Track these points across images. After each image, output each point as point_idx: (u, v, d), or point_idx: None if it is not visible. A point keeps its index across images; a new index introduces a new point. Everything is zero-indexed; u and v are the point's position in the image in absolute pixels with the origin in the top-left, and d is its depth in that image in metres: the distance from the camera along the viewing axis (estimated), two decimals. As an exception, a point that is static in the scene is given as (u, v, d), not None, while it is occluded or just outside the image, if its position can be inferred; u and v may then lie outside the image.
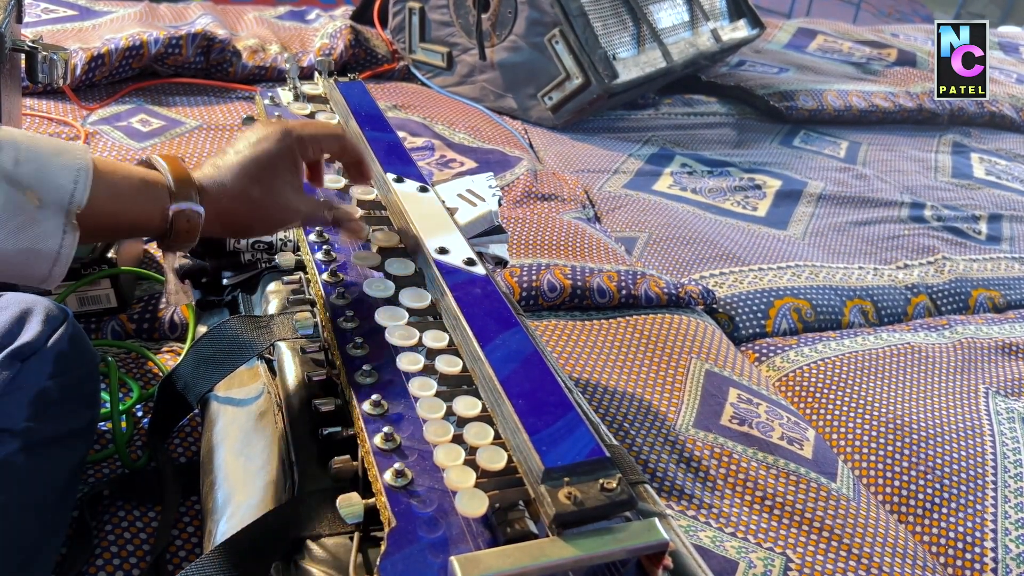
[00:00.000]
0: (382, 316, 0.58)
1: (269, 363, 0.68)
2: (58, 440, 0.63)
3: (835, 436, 0.99)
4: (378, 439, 0.49)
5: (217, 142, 1.42)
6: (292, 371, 0.63)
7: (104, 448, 0.78)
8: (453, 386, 0.54)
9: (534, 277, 1.11)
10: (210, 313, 0.88)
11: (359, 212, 0.69)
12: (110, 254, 0.93)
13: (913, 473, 0.93)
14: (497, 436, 0.49)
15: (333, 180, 0.75)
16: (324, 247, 0.67)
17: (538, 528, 0.45)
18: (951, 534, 0.87)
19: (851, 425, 0.99)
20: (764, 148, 1.84)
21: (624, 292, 1.12)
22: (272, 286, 0.76)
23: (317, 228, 0.69)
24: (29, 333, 0.60)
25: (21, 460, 0.58)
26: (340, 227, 0.65)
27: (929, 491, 0.91)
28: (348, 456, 0.52)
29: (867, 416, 1.00)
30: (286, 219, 0.62)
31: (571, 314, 1.10)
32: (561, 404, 0.49)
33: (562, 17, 1.66)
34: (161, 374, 0.89)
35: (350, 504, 0.47)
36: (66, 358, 0.63)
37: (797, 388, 1.06)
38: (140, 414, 0.83)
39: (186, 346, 0.90)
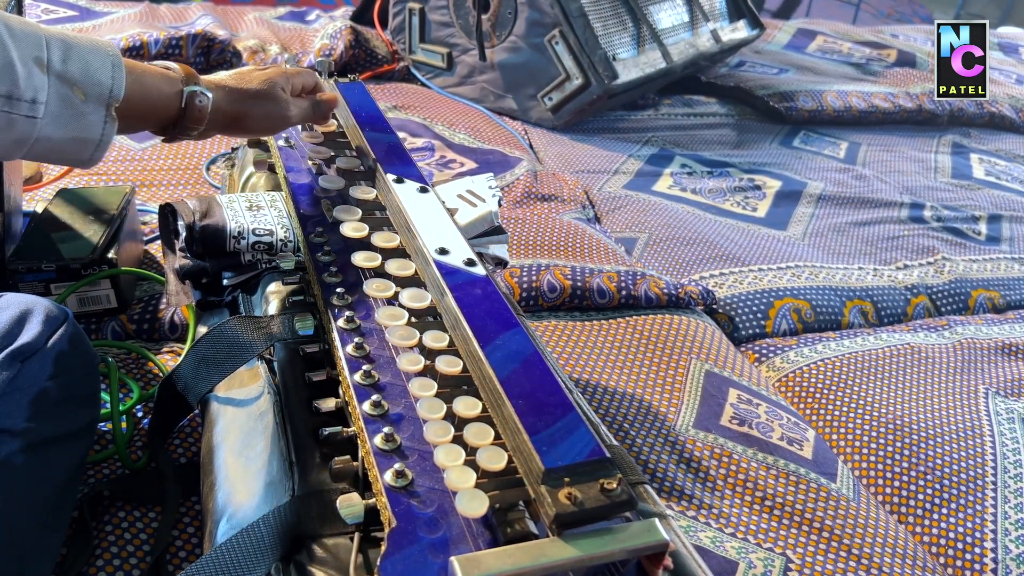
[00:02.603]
0: (382, 316, 0.58)
1: (269, 363, 0.68)
2: (58, 440, 0.63)
3: (835, 436, 0.99)
4: (378, 439, 0.49)
5: (217, 141, 1.42)
6: (292, 372, 0.63)
7: (104, 448, 0.78)
8: (453, 386, 0.54)
9: (534, 277, 1.11)
10: (210, 313, 0.88)
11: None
12: (110, 254, 0.93)
13: (913, 473, 0.93)
14: (497, 436, 0.49)
15: (331, 180, 0.75)
16: (324, 247, 0.67)
17: (538, 528, 0.45)
18: (951, 534, 0.87)
19: (851, 425, 0.99)
20: (764, 149, 1.84)
21: (624, 293, 1.12)
22: (272, 287, 0.76)
23: (317, 229, 0.69)
24: (29, 333, 0.60)
25: (21, 460, 0.58)
26: (326, 112, 0.77)
27: (929, 491, 0.91)
28: (348, 456, 0.52)
29: (867, 416, 1.00)
30: (282, 113, 0.71)
31: (571, 314, 1.10)
32: (561, 404, 0.49)
33: (562, 18, 1.66)
34: (161, 374, 0.89)
35: (350, 504, 0.47)
36: (66, 358, 0.63)
37: (797, 388, 1.06)
38: (140, 414, 0.83)
39: (186, 346, 0.90)
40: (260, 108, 0.69)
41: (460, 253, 0.63)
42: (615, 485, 0.44)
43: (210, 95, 0.65)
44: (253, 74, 0.70)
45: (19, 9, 0.95)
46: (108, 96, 0.57)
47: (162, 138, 0.66)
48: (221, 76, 0.69)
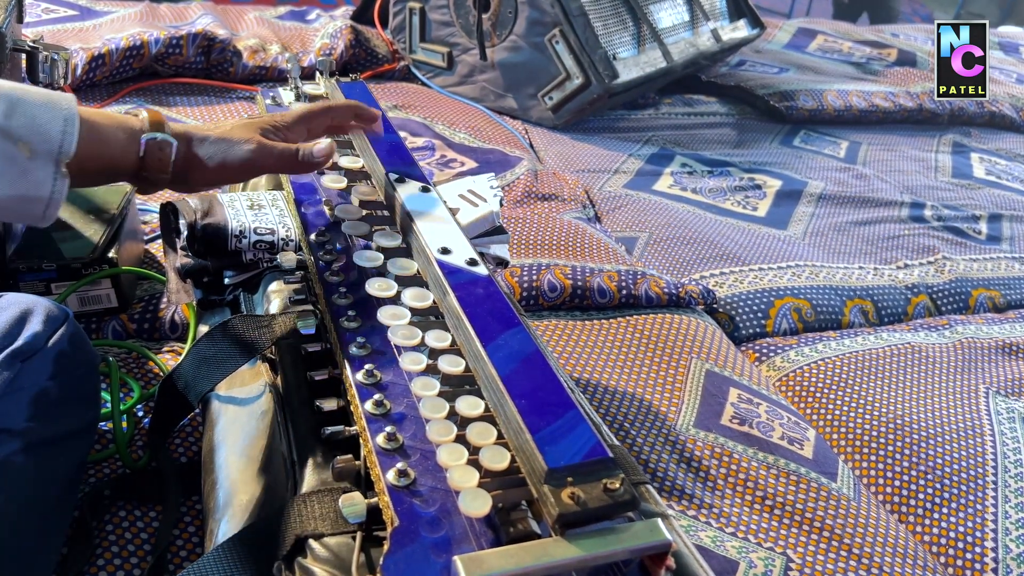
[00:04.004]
0: (384, 316, 0.58)
1: (271, 362, 0.68)
2: (58, 440, 0.63)
3: (835, 436, 0.99)
4: (381, 439, 0.49)
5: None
6: (294, 370, 0.63)
7: (105, 448, 0.78)
8: (455, 386, 0.54)
9: (535, 277, 1.11)
10: (211, 312, 0.88)
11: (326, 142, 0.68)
12: (111, 254, 0.93)
13: (913, 473, 0.93)
14: (500, 436, 0.49)
15: (334, 180, 0.75)
16: (325, 247, 0.67)
17: (541, 528, 0.45)
18: (951, 534, 0.87)
19: (851, 425, 0.99)
20: (764, 148, 1.84)
21: (624, 292, 1.12)
22: (274, 285, 0.76)
23: (319, 228, 0.69)
24: (29, 333, 0.60)
25: (21, 460, 0.58)
26: (315, 160, 0.66)
27: (929, 491, 0.91)
28: (350, 456, 0.52)
29: (867, 416, 1.00)
30: (255, 160, 0.63)
31: (571, 314, 1.10)
32: (563, 404, 0.49)
33: (562, 17, 1.66)
34: (162, 374, 0.88)
35: (353, 503, 0.47)
36: (66, 358, 0.63)
37: (797, 388, 1.06)
38: (141, 414, 0.83)
39: (187, 346, 0.90)
40: (237, 153, 0.62)
41: (462, 253, 0.63)
42: (618, 485, 0.44)
43: (173, 141, 0.60)
44: (238, 124, 0.64)
45: (20, 9, 0.95)
46: (58, 152, 0.54)
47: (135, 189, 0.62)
48: (199, 126, 0.64)
